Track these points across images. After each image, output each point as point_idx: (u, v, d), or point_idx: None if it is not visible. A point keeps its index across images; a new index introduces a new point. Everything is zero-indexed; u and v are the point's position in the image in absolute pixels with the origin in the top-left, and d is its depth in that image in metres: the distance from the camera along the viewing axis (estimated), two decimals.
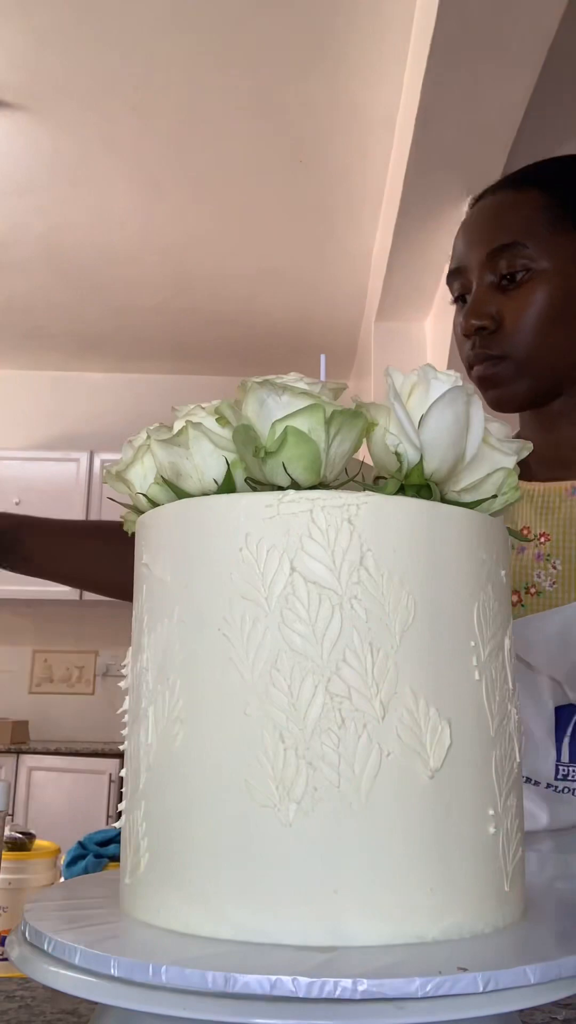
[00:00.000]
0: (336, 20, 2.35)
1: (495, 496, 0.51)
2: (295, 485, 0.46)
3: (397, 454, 0.47)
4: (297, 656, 0.43)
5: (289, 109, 2.70)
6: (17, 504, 4.40)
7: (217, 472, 0.49)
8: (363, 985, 0.36)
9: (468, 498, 0.50)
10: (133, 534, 0.52)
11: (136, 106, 2.72)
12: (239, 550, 0.44)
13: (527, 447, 0.51)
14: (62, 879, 1.06)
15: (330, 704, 0.43)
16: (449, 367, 3.09)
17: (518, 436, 0.66)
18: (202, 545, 0.46)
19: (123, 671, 0.51)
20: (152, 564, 0.49)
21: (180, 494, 0.50)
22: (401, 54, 2.45)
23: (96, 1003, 0.44)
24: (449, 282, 0.92)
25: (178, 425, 0.51)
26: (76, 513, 4.40)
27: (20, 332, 4.40)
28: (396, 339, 3.62)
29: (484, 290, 0.86)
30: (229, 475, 0.48)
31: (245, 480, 0.48)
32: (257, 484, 0.48)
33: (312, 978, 0.36)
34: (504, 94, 2.25)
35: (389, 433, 0.48)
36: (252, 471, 0.47)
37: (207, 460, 0.49)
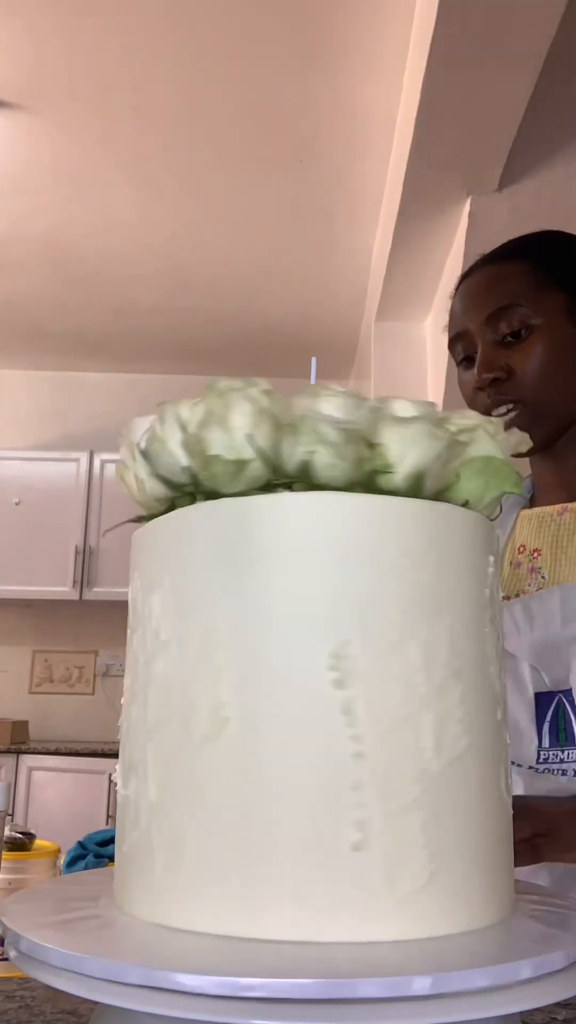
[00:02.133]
0: (336, 20, 2.35)
1: None
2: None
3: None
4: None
5: (289, 109, 2.70)
6: (17, 504, 4.40)
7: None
8: (360, 987, 0.36)
9: None
10: None
11: (136, 106, 2.72)
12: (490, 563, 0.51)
13: None
14: None
15: None
16: (449, 369, 3.07)
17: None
18: (454, 553, 0.49)
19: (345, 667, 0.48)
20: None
21: (311, 482, 0.48)
22: (401, 54, 2.45)
23: (96, 1003, 0.44)
24: (452, 347, 1.03)
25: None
26: (75, 513, 4.40)
27: (20, 332, 4.40)
28: (396, 339, 3.62)
29: (490, 347, 0.98)
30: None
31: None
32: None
33: (311, 979, 0.36)
34: (504, 94, 2.25)
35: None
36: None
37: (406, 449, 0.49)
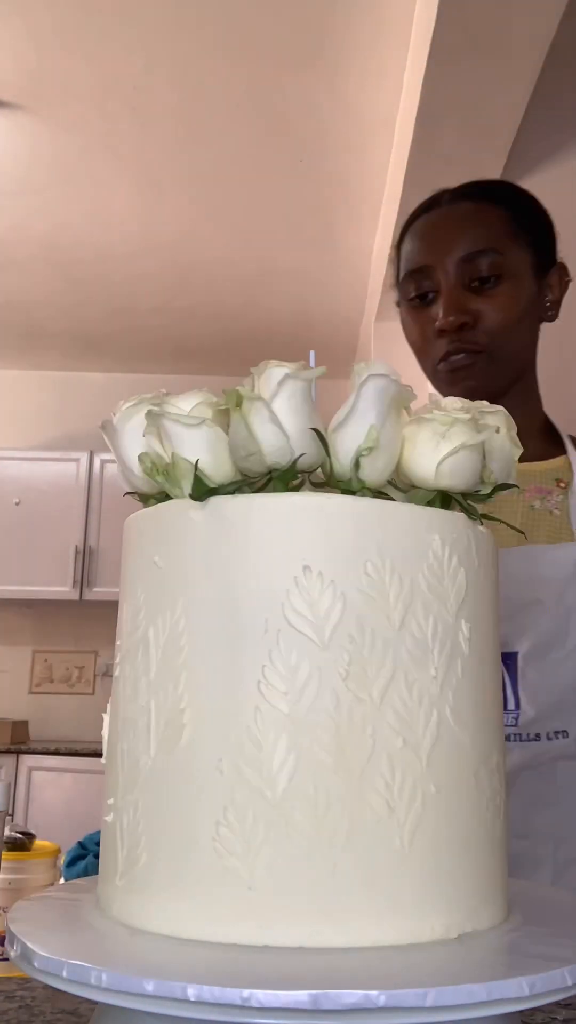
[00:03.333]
0: (336, 20, 2.35)
1: None
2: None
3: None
4: None
5: (289, 109, 2.70)
6: (17, 504, 4.40)
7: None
8: (354, 997, 0.36)
9: None
10: None
11: (136, 106, 2.72)
12: None
13: None
14: (62, 879, 1.05)
15: None
16: None
17: None
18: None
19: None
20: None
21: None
22: (401, 54, 2.44)
23: (96, 1003, 0.44)
24: (405, 282, 1.00)
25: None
26: (75, 513, 4.40)
27: (20, 332, 4.40)
28: (396, 339, 3.58)
29: (459, 290, 0.95)
30: None
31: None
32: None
33: (313, 990, 0.36)
34: (504, 94, 2.25)
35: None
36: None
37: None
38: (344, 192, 3.11)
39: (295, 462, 0.47)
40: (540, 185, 2.95)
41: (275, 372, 0.48)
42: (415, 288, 0.98)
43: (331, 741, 0.43)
